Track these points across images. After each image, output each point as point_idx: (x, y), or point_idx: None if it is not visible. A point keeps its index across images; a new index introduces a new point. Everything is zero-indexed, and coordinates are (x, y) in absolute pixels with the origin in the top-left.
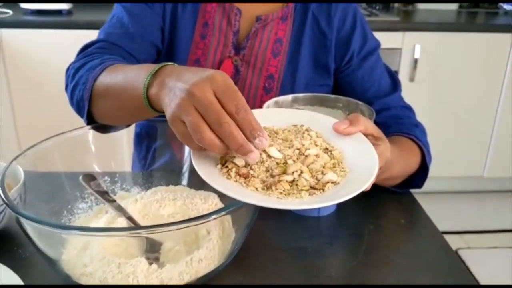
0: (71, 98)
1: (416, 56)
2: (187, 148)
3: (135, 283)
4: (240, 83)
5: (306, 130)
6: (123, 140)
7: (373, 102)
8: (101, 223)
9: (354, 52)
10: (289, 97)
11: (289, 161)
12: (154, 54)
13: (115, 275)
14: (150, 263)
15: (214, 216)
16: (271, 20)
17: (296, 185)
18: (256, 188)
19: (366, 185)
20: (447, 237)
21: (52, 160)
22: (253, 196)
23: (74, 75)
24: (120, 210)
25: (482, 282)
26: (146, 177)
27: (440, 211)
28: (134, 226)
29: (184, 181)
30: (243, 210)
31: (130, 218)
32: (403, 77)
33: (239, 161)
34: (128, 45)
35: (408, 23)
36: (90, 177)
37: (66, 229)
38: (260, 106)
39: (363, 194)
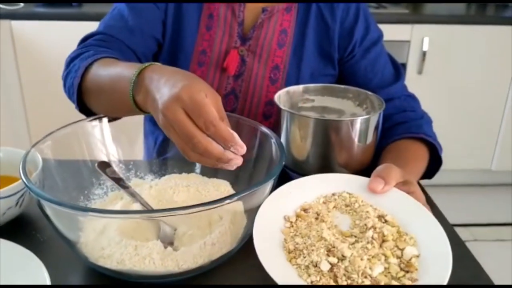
0: (64, 85)
1: (425, 48)
2: None
3: (151, 265)
4: (246, 74)
5: (349, 195)
6: (139, 129)
7: (377, 93)
8: (116, 208)
9: (357, 42)
10: (300, 87)
11: (369, 246)
12: (154, 47)
13: (132, 257)
14: (165, 247)
15: (227, 201)
16: (277, 11)
17: (389, 272)
18: None
19: (450, 251)
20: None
21: (70, 147)
22: None
23: (69, 64)
24: (135, 196)
25: (489, 275)
26: (159, 165)
27: (447, 204)
28: (150, 209)
29: (197, 169)
30: (254, 196)
31: (144, 204)
32: (411, 69)
33: (324, 266)
34: (127, 38)
35: (417, 16)
36: (105, 164)
37: (85, 211)
38: (267, 96)
39: None
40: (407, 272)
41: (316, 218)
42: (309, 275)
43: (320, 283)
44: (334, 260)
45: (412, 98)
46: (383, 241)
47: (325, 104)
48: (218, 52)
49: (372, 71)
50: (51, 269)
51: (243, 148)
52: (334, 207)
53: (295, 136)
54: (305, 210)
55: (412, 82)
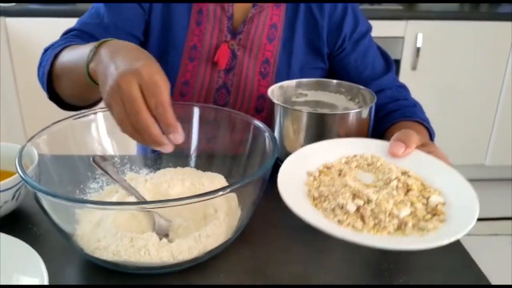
0: (38, 75)
1: (419, 44)
2: (194, 133)
3: (146, 256)
4: (237, 68)
5: (371, 155)
6: None
7: (369, 84)
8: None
9: (346, 36)
10: (293, 82)
11: (394, 193)
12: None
13: (127, 249)
14: (160, 239)
15: (220, 193)
16: (266, 5)
17: (416, 215)
18: (389, 232)
19: (477, 198)
20: None
21: (65, 141)
22: (413, 241)
23: (43, 55)
24: (130, 189)
25: (482, 269)
26: (154, 159)
27: None
28: (145, 201)
29: (192, 163)
30: (248, 189)
31: (139, 197)
32: (405, 65)
33: (351, 207)
34: (101, 34)
35: (411, 12)
36: (101, 158)
37: (81, 203)
38: (258, 90)
39: None
40: (434, 215)
41: (339, 175)
42: (336, 215)
43: (347, 222)
44: (360, 202)
45: (404, 88)
46: (408, 190)
47: (318, 98)
48: (208, 47)
49: (362, 63)
50: (48, 262)
51: (181, 138)
52: (356, 166)
53: (288, 130)
54: (327, 168)
55: (406, 78)
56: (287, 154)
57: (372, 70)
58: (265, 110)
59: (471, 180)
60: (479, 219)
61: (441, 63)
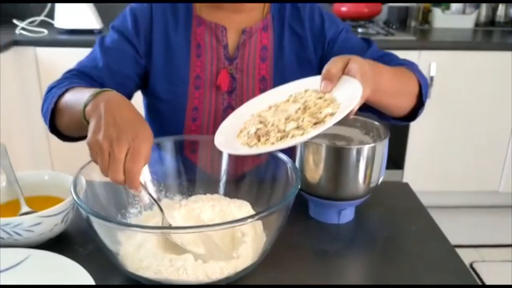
0: (41, 111)
1: (432, 74)
2: (223, 163)
3: (184, 275)
4: (238, 88)
5: (300, 92)
6: (168, 154)
7: None
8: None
9: (331, 39)
10: None
11: (293, 113)
12: (127, 83)
13: (167, 268)
14: (196, 260)
15: (249, 220)
16: (255, 31)
17: (303, 128)
18: (272, 143)
19: (355, 102)
20: (463, 250)
21: None
22: (276, 145)
23: (47, 93)
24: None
25: None
26: (187, 186)
27: (456, 225)
28: (185, 226)
29: (221, 191)
30: (273, 216)
31: (166, 223)
32: None
33: (252, 130)
34: (97, 75)
35: (424, 42)
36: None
37: (131, 227)
38: None
39: (378, 206)
40: (316, 124)
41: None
42: (241, 139)
43: (246, 142)
44: (260, 126)
45: (390, 54)
46: (306, 108)
47: (335, 132)
48: (210, 74)
49: (346, 48)
50: (94, 279)
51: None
52: (293, 101)
53: (308, 161)
54: (270, 107)
55: None
56: (307, 183)
57: (355, 52)
58: None
59: (485, 207)
60: (493, 246)
61: (454, 91)
